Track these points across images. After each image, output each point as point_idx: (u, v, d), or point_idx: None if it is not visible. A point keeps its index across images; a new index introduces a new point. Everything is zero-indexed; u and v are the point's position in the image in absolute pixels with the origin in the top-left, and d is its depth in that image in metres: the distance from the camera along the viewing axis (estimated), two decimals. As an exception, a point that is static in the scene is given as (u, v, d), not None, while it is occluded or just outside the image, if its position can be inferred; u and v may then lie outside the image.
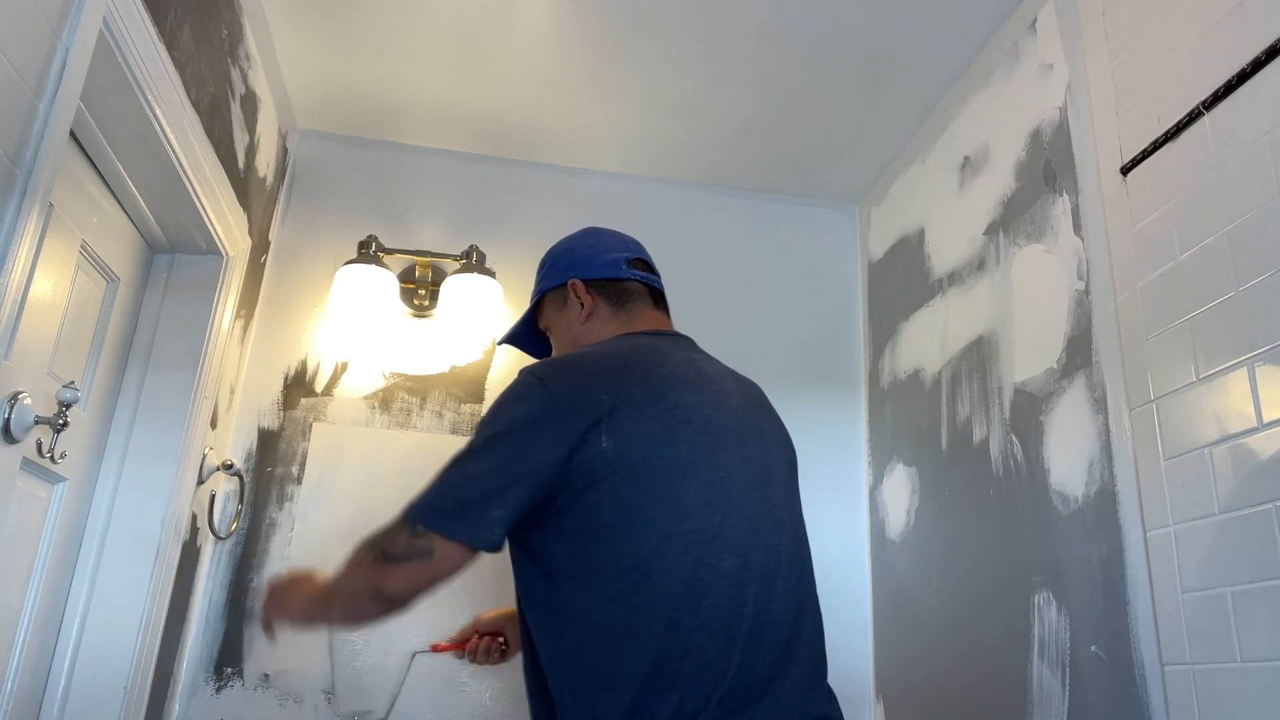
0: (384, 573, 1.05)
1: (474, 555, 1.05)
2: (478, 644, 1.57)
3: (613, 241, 1.41)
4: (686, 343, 1.31)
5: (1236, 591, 1.12)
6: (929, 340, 2.02)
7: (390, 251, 2.17)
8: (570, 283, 1.34)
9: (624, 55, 1.96)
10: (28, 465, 1.36)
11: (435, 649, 1.63)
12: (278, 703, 1.89)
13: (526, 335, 1.47)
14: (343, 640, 1.94)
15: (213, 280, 1.80)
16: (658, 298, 1.40)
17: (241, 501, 1.98)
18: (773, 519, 1.15)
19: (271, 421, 2.07)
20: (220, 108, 1.71)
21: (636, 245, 1.42)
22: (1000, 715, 1.58)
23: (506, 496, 1.05)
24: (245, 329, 2.06)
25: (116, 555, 1.62)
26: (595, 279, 1.35)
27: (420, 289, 2.21)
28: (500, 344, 1.58)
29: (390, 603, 1.06)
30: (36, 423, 1.30)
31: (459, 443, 1.10)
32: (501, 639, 1.58)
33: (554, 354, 1.41)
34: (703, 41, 1.90)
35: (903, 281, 2.20)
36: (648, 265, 1.41)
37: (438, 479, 1.08)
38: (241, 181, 1.88)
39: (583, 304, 1.33)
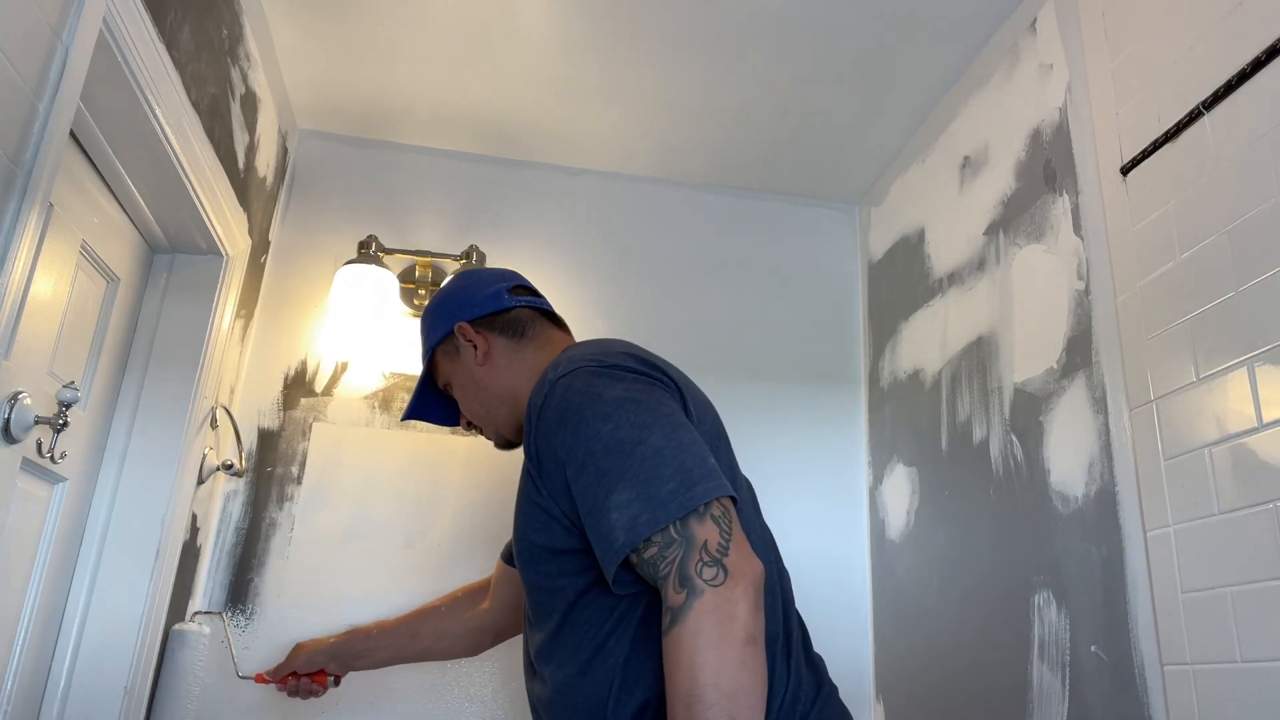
0: (727, 593, 0.84)
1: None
2: (297, 683, 1.60)
3: (488, 276, 1.33)
4: None
5: (1236, 591, 1.12)
6: (929, 340, 2.02)
7: (390, 251, 2.17)
8: (457, 328, 1.26)
9: (624, 55, 1.96)
10: (28, 465, 1.36)
11: (259, 679, 1.63)
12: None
13: (429, 403, 1.38)
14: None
15: (213, 280, 1.80)
16: (554, 319, 1.32)
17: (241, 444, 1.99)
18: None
19: (271, 421, 2.07)
20: (220, 108, 1.71)
21: (513, 274, 1.35)
22: (1000, 715, 1.58)
23: (701, 446, 0.96)
24: (245, 329, 2.06)
25: (116, 555, 1.62)
26: (480, 316, 1.27)
27: (420, 289, 2.21)
28: (404, 420, 1.50)
29: (755, 611, 0.86)
30: (36, 423, 1.30)
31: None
32: (332, 678, 1.60)
33: (464, 406, 1.31)
34: (703, 41, 1.90)
35: (903, 281, 2.20)
36: (530, 290, 1.33)
37: (632, 479, 0.91)
38: (241, 181, 1.88)
39: (475, 345, 1.25)
